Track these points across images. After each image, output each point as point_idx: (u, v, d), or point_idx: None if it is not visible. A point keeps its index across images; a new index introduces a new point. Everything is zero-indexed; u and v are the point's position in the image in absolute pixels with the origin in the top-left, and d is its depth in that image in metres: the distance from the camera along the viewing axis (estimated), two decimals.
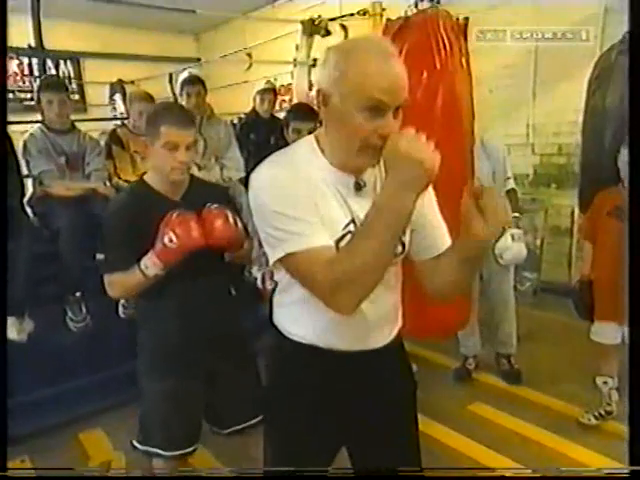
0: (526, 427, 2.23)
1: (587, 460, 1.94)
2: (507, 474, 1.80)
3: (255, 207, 0.96)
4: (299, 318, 1.04)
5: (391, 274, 1.01)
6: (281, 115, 3.65)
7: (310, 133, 1.04)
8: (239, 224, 1.49)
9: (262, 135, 3.22)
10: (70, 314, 2.41)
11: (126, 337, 2.42)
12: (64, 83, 2.68)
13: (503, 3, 3.43)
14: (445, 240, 1.06)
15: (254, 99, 3.42)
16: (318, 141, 0.99)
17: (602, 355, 2.22)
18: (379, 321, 1.04)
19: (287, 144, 1.04)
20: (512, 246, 2.37)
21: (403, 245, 1.01)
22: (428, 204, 1.06)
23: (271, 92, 3.41)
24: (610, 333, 2.13)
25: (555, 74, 3.60)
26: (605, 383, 2.22)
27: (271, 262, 0.96)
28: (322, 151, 0.98)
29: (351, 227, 0.96)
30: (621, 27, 2.26)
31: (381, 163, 0.98)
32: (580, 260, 3.65)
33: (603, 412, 2.22)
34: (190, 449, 1.54)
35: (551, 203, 3.77)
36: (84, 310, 2.41)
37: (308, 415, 1.06)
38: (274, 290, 1.09)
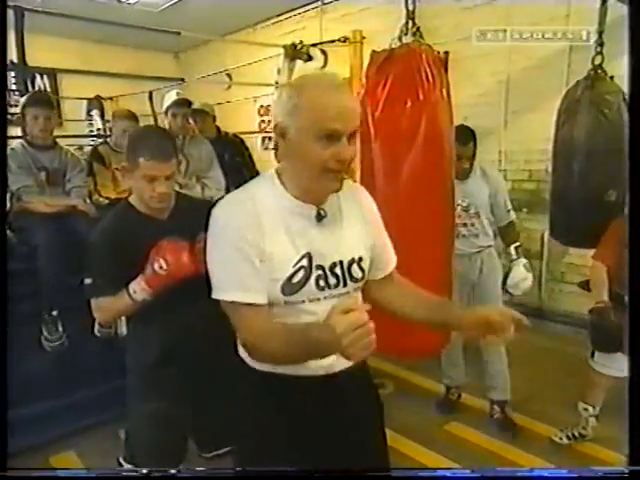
0: (500, 445, 2.26)
1: None
2: None
3: (208, 240, 0.99)
4: None
5: (352, 301, 1.03)
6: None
7: None
8: None
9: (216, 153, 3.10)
10: (45, 333, 2.35)
11: (102, 357, 2.39)
12: (51, 99, 2.64)
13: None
14: (390, 261, 1.14)
15: None
16: (279, 174, 1.02)
17: (592, 385, 2.18)
18: None
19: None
20: (527, 275, 2.38)
21: (363, 271, 1.06)
22: (374, 226, 1.12)
23: (202, 113, 3.25)
24: (624, 365, 1.88)
25: (525, 104, 3.78)
26: (586, 410, 2.22)
27: (213, 295, 0.99)
28: (283, 183, 1.01)
29: (304, 262, 0.98)
30: (586, 63, 2.41)
31: (341, 194, 1.03)
32: (550, 282, 3.82)
33: (577, 434, 2.25)
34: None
35: (522, 227, 3.90)
36: (60, 329, 2.36)
37: (276, 440, 1.07)
38: None
